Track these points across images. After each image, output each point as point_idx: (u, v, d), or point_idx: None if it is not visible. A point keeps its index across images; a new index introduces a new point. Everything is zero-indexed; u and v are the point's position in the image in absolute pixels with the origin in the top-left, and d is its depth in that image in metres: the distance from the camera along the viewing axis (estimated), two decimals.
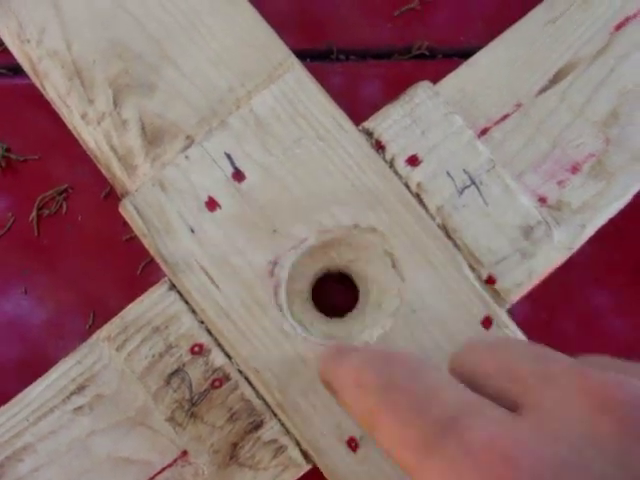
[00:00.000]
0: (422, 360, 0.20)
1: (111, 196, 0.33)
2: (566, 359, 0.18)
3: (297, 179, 0.29)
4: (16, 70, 0.34)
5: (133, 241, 0.33)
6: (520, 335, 0.28)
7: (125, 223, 0.32)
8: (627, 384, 0.17)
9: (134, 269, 0.33)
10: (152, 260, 0.33)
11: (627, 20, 0.31)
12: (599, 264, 0.35)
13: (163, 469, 0.28)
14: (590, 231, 0.29)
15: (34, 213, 0.33)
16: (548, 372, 0.18)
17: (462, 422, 0.17)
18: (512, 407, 0.18)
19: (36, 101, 0.33)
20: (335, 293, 0.32)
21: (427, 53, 0.35)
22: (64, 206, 0.33)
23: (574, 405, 0.17)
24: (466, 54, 0.31)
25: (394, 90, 0.30)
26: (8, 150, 0.34)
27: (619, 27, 0.31)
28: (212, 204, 0.29)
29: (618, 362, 0.19)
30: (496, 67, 0.31)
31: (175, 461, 0.28)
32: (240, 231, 0.28)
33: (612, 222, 0.30)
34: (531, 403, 0.17)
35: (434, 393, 0.18)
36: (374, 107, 0.30)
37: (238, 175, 0.29)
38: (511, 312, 0.29)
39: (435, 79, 0.30)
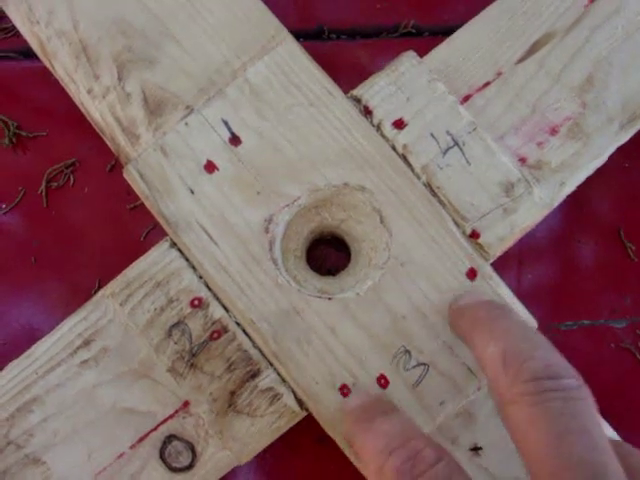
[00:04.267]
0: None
1: (116, 169, 0.35)
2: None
3: (290, 143, 0.30)
4: (26, 54, 0.36)
5: (137, 210, 0.35)
6: (503, 287, 0.30)
7: (129, 193, 0.34)
8: None
9: (138, 236, 0.35)
10: (155, 227, 0.35)
11: None
12: None
13: (165, 420, 0.30)
14: (569, 188, 0.31)
15: (43, 186, 0.35)
16: None
17: None
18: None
19: (45, 82, 0.36)
20: (330, 258, 0.34)
21: (414, 31, 0.36)
22: (71, 179, 0.35)
23: None
24: (450, 31, 0.33)
25: (382, 66, 0.32)
26: (18, 127, 0.36)
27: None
28: (210, 167, 0.30)
29: None
30: (477, 40, 0.33)
31: (177, 412, 0.30)
32: (236, 191, 0.30)
33: None
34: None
35: None
36: (363, 80, 0.32)
37: (234, 140, 0.31)
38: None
39: (421, 55, 0.32)
